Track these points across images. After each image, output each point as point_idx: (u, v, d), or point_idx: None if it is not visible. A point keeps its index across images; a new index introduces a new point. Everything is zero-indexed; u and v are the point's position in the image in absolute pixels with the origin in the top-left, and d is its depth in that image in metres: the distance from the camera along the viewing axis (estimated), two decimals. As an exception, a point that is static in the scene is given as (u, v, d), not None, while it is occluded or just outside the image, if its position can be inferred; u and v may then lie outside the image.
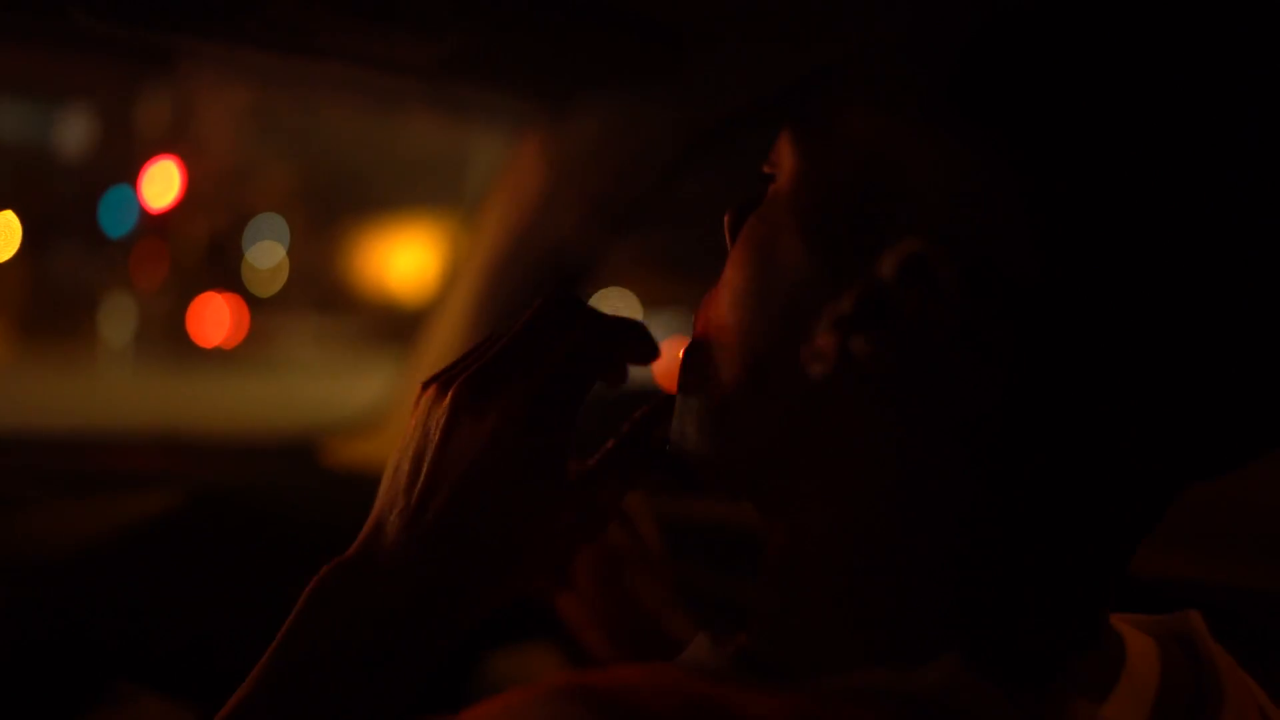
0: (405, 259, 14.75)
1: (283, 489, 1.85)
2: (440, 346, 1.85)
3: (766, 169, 0.61)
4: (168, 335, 13.51)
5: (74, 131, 13.35)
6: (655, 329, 0.72)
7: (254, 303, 13.91)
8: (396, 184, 14.38)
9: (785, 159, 0.59)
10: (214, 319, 13.65)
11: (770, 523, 0.60)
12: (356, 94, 1.80)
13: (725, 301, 0.60)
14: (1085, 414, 0.50)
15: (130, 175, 13.27)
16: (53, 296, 13.50)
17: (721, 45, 1.15)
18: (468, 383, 0.68)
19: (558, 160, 1.47)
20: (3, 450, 1.84)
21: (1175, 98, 0.48)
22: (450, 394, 0.68)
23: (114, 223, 13.51)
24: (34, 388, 9.99)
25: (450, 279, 1.83)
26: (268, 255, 14.35)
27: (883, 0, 1.01)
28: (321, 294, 14.57)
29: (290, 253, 14.39)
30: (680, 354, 0.67)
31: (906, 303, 0.50)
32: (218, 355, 13.35)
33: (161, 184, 13.14)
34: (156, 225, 13.57)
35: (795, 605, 0.57)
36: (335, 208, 14.90)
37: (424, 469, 0.68)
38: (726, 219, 0.66)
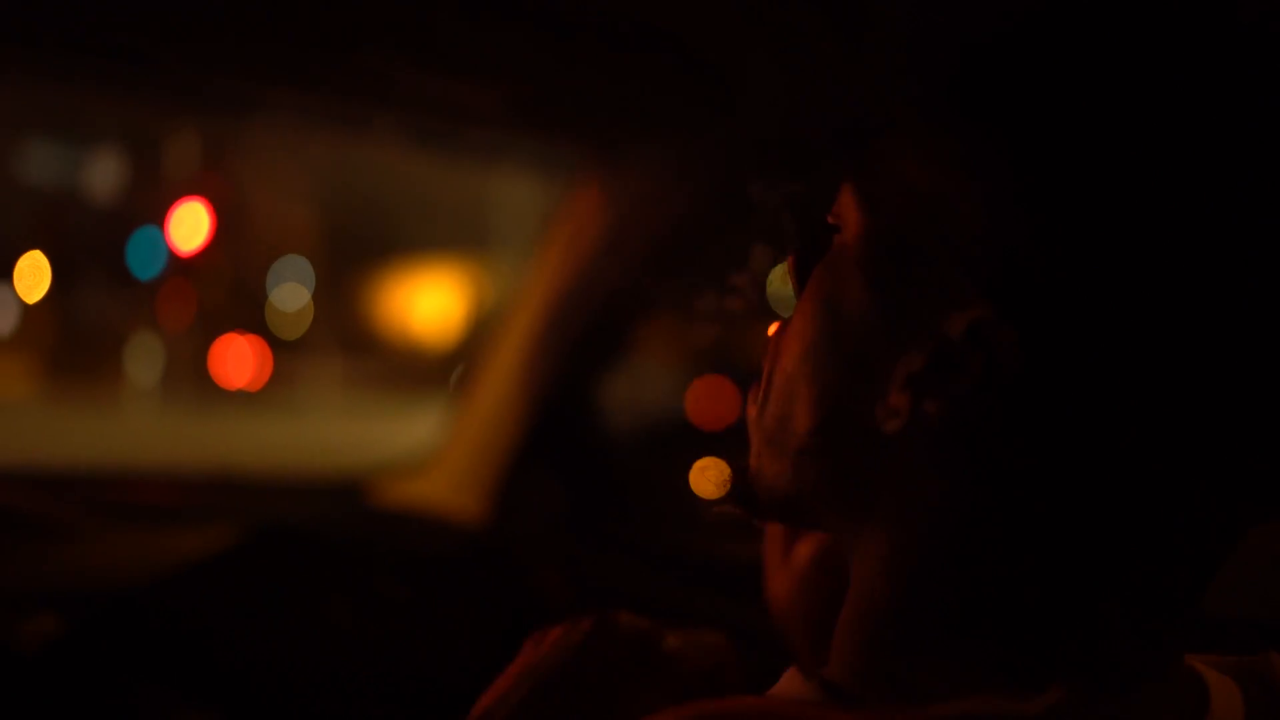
0: (430, 302, 14.81)
1: (335, 527, 1.89)
2: (492, 392, 1.88)
3: (831, 219, 0.63)
4: (193, 377, 13.57)
5: (102, 172, 13.49)
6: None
7: (279, 345, 13.97)
8: (421, 227, 14.47)
9: (850, 211, 0.61)
10: (237, 361, 13.71)
11: (853, 557, 0.62)
12: (396, 136, 1.84)
13: (796, 351, 0.63)
14: (1135, 458, 0.52)
15: (158, 217, 13.38)
16: (80, 337, 13.58)
17: (773, 88, 1.19)
18: None
19: (615, 207, 1.50)
20: (58, 483, 1.88)
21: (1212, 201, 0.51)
22: None
23: (142, 264, 13.62)
24: (60, 426, 10.04)
25: (503, 323, 1.87)
26: (293, 298, 14.43)
27: (928, 52, 1.04)
28: (346, 337, 14.63)
29: (315, 295, 14.46)
30: (749, 399, 0.70)
31: (973, 364, 0.53)
32: (242, 397, 13.39)
33: (190, 226, 13.24)
34: (183, 267, 13.67)
35: (881, 639, 0.59)
36: (361, 250, 14.99)
37: None
38: (791, 263, 0.69)
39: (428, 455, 2.09)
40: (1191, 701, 0.57)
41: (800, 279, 0.67)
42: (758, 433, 0.67)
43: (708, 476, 2.62)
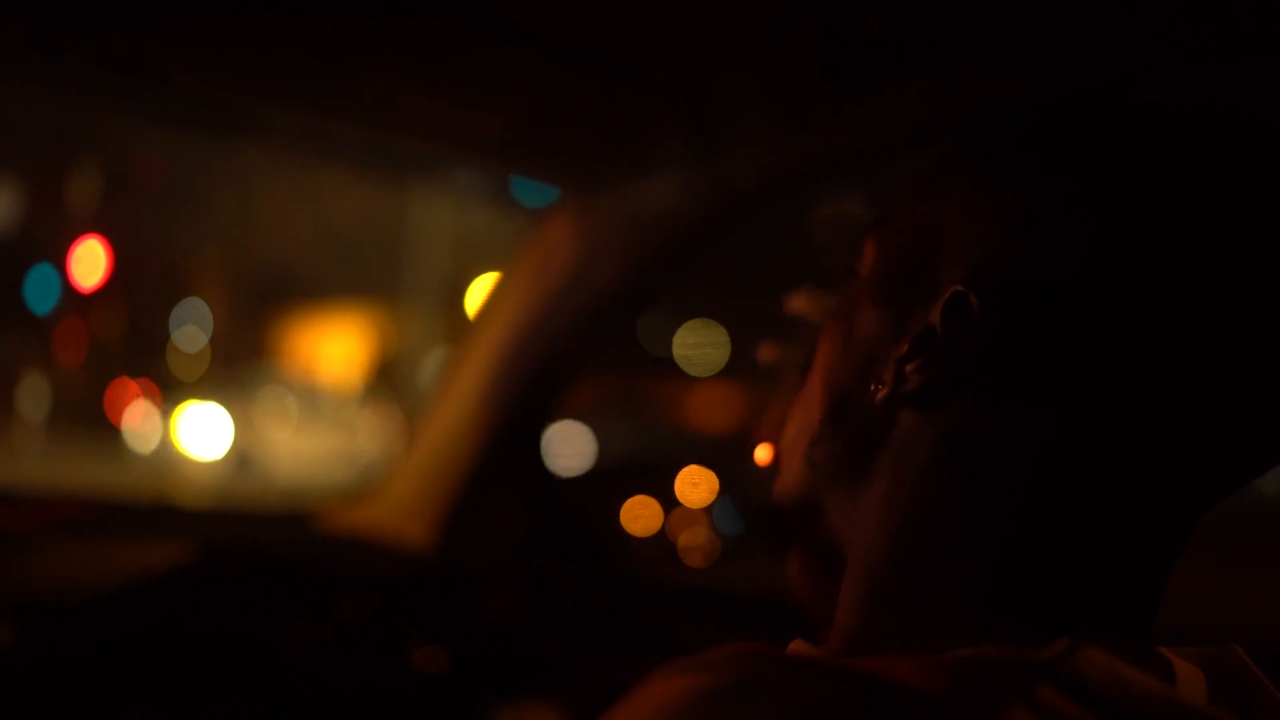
0: (335, 346, 14.68)
1: (283, 549, 1.90)
2: (445, 419, 1.91)
3: (847, 269, 0.75)
4: (84, 414, 13.27)
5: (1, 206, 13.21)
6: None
7: (176, 386, 13.73)
8: (329, 271, 14.37)
9: (866, 251, 0.73)
10: (128, 402, 13.46)
11: (852, 532, 0.70)
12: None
13: (820, 370, 0.73)
14: (1100, 415, 0.61)
15: (56, 253, 13.13)
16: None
17: (753, 124, 1.26)
18: None
19: (585, 240, 1.55)
20: (11, 497, 1.87)
21: (1150, 181, 0.62)
22: None
23: (38, 299, 13.34)
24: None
25: (460, 350, 1.89)
26: (192, 340, 14.22)
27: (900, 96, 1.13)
28: (246, 380, 14.42)
29: (215, 338, 14.26)
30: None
31: (945, 336, 0.63)
32: (134, 437, 13.13)
33: (88, 263, 13.02)
34: (80, 305, 13.41)
35: (883, 601, 0.66)
36: (266, 294, 14.83)
37: None
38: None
39: (374, 482, 2.11)
40: (1161, 675, 0.63)
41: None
42: (781, 448, 0.77)
43: (696, 486, 2.69)
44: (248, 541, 1.87)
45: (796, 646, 0.68)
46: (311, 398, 12.97)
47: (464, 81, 1.14)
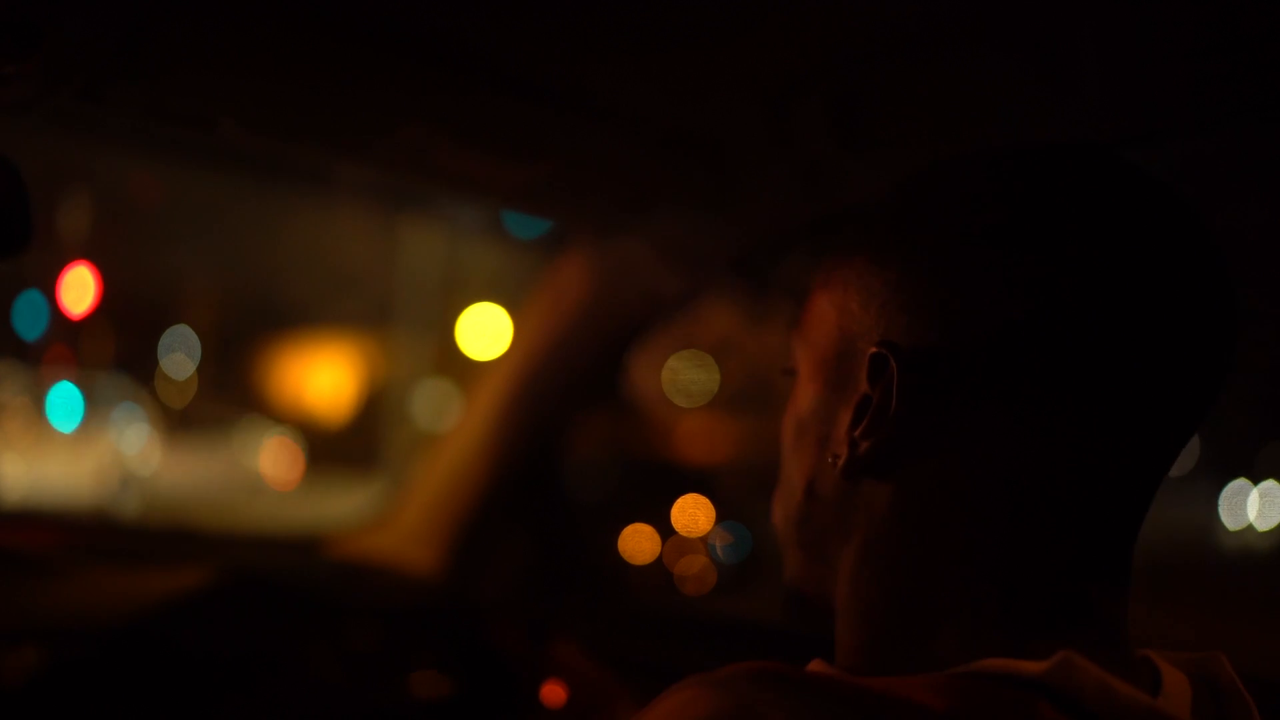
0: (326, 377, 14.64)
1: (298, 577, 1.94)
2: (456, 448, 1.96)
3: (786, 370, 0.83)
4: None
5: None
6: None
7: (167, 414, 13.66)
8: (320, 300, 14.34)
9: (796, 351, 0.81)
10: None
11: (844, 583, 0.75)
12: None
13: (788, 460, 0.80)
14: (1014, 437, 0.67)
15: (45, 279, 13.09)
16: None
17: (764, 172, 1.32)
18: None
19: (601, 277, 1.62)
20: (36, 520, 1.91)
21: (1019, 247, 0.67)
22: None
23: (27, 325, 13.29)
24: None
25: (474, 381, 1.94)
26: (180, 367, 14.18)
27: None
28: (235, 410, 14.36)
29: (203, 366, 14.22)
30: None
31: (878, 397, 0.69)
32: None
33: (77, 291, 12.99)
34: (69, 331, 13.36)
35: (886, 632, 0.71)
36: (255, 323, 14.79)
37: None
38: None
39: (382, 511, 2.16)
40: (1147, 684, 0.68)
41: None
42: (780, 538, 0.83)
43: (691, 514, 2.73)
44: (260, 568, 1.91)
45: (815, 666, 0.73)
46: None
47: (494, 132, 1.21)
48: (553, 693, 1.70)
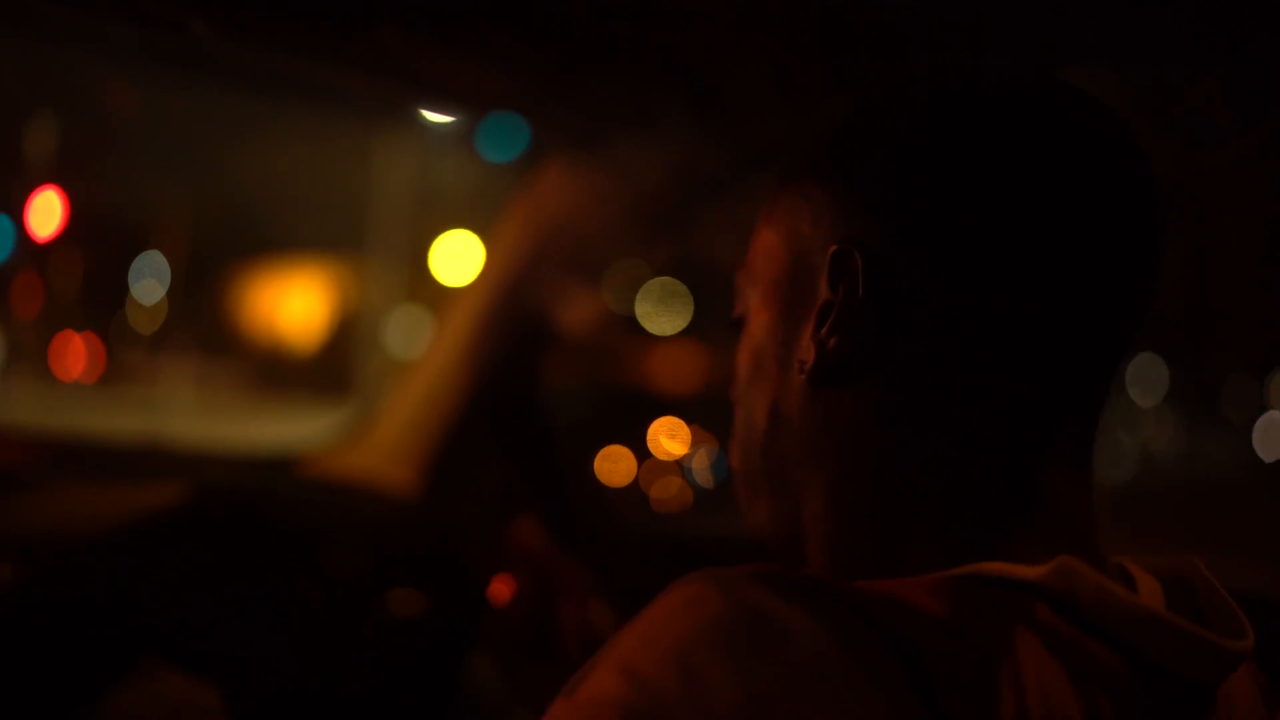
0: (298, 303, 14.57)
1: (271, 495, 1.93)
2: (433, 365, 1.95)
3: (735, 315, 0.82)
4: (38, 368, 13.12)
5: (-44, 156, 12.96)
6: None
7: (136, 341, 13.59)
8: (292, 226, 14.24)
9: (743, 295, 0.81)
10: (73, 356, 13.32)
11: (809, 505, 0.75)
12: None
13: (739, 408, 0.81)
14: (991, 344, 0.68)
15: (12, 203, 12.93)
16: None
17: (752, 97, 1.31)
18: None
19: (578, 192, 1.60)
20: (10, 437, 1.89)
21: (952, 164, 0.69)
22: None
23: (-8, 249, 13.15)
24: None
25: (451, 297, 1.93)
26: (150, 293, 14.07)
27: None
28: (205, 336, 14.30)
29: (173, 292, 14.11)
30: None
31: (844, 294, 0.70)
32: (87, 391, 12.99)
33: (43, 214, 12.84)
34: (37, 256, 13.22)
35: (873, 536, 0.71)
36: (226, 248, 14.68)
37: None
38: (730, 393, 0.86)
39: (356, 431, 2.15)
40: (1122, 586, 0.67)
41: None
42: (741, 482, 0.82)
43: (668, 436, 2.74)
44: (233, 486, 1.90)
45: (811, 572, 0.72)
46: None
47: (474, 35, 1.18)
48: (499, 589, 1.68)
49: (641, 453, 2.76)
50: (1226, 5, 0.91)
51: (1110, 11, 0.93)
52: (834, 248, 0.70)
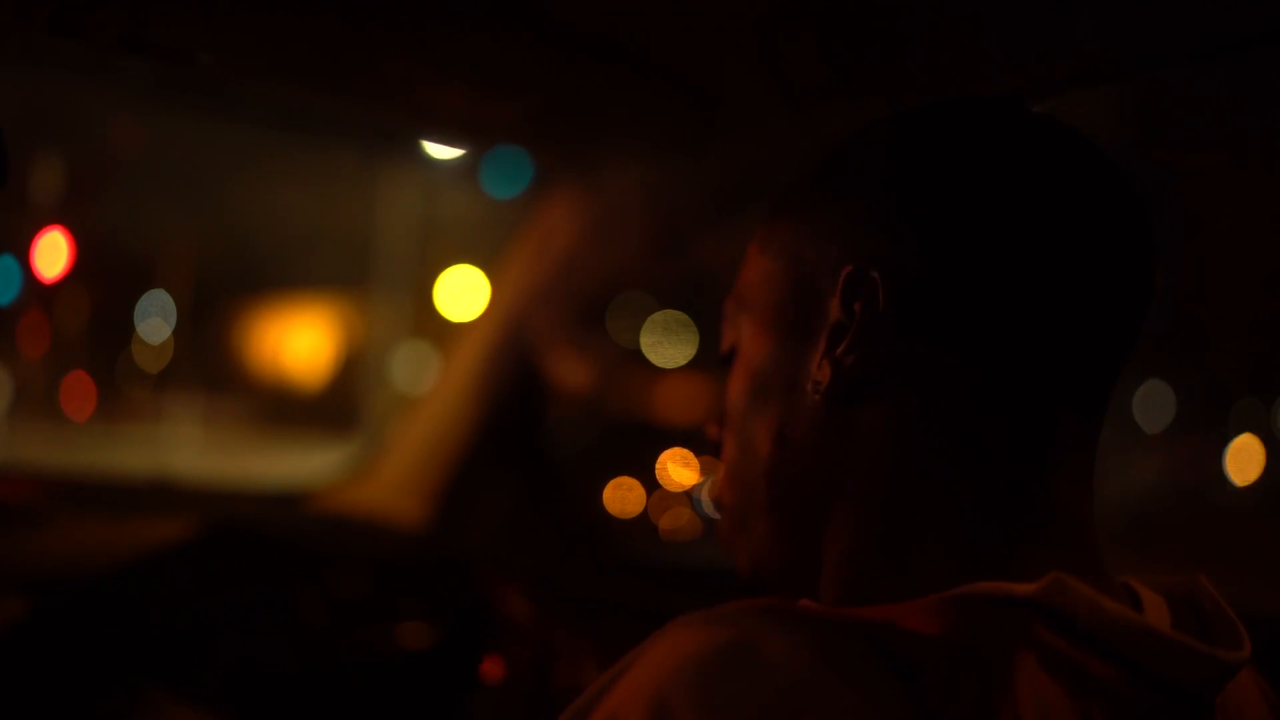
0: (303, 339, 14.59)
1: (282, 528, 1.94)
2: (441, 398, 1.95)
3: (725, 349, 0.82)
4: (45, 407, 13.15)
5: (-39, 196, 13.00)
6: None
7: (142, 380, 13.62)
8: (296, 263, 14.29)
9: (735, 326, 0.81)
10: (84, 396, 13.36)
11: (821, 531, 0.74)
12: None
13: (732, 441, 0.80)
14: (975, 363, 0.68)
15: (18, 243, 12.99)
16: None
17: (755, 112, 1.31)
18: None
19: (584, 222, 1.60)
20: (21, 473, 1.90)
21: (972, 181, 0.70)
22: None
23: (1, 290, 13.20)
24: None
25: (459, 330, 1.93)
26: (156, 331, 14.10)
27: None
28: (211, 373, 14.33)
29: (179, 330, 14.14)
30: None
31: (862, 314, 0.70)
32: (94, 431, 13.01)
33: (50, 255, 12.89)
34: (43, 296, 13.27)
35: (875, 563, 0.71)
36: (232, 285, 14.72)
37: None
38: (709, 427, 0.86)
39: (364, 466, 2.15)
40: (1127, 606, 0.67)
41: (721, 419, 0.84)
42: (731, 527, 0.82)
43: (677, 467, 2.73)
44: (244, 521, 1.90)
45: (805, 603, 0.72)
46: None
47: (478, 65, 1.19)
48: (490, 669, 1.70)
49: (650, 483, 2.76)
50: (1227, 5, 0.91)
51: (1108, 10, 0.93)
52: (849, 269, 0.70)
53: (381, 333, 14.00)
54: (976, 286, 0.68)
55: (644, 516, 2.68)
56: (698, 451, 2.85)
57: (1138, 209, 0.72)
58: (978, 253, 0.69)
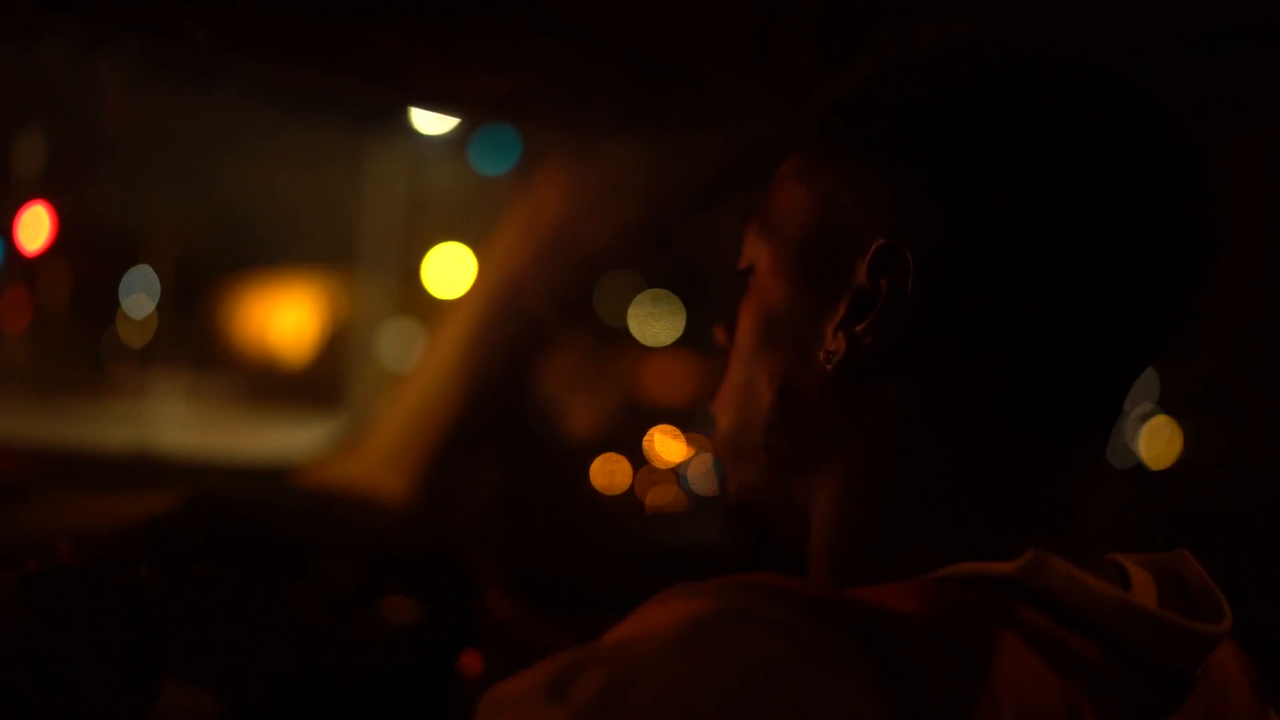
0: (289, 316, 14.55)
1: (263, 504, 1.93)
2: (428, 375, 1.95)
3: (742, 266, 0.80)
4: (28, 383, 13.09)
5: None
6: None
7: (127, 355, 13.56)
8: (283, 239, 14.23)
9: (755, 246, 0.79)
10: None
11: (814, 504, 0.75)
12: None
13: (738, 368, 0.79)
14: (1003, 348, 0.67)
15: (1, 221, 12.91)
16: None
17: (746, 93, 1.30)
18: None
19: (574, 199, 1.60)
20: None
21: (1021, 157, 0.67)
22: None
23: (-18, 264, 13.11)
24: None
25: (447, 307, 1.93)
26: (140, 307, 14.04)
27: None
28: (196, 349, 14.27)
29: (164, 305, 14.08)
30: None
31: (889, 291, 0.68)
32: (80, 406, 12.95)
33: (33, 229, 12.82)
34: (26, 271, 13.19)
35: (862, 544, 0.71)
36: (217, 261, 14.66)
37: None
38: (718, 331, 0.85)
39: (350, 442, 2.15)
40: (1115, 583, 0.69)
41: (730, 329, 0.83)
42: (725, 450, 0.82)
43: (664, 443, 2.74)
44: (227, 495, 1.90)
45: (791, 581, 0.72)
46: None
47: (470, 42, 1.18)
48: (470, 663, 1.70)
49: (638, 459, 2.76)
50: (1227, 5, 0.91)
51: (1108, 9, 0.93)
52: (881, 241, 0.69)
53: (368, 309, 13.96)
54: (1010, 287, 0.67)
55: (630, 492, 2.69)
56: (684, 429, 2.86)
57: (1203, 194, 0.69)
58: (1020, 253, 0.67)
